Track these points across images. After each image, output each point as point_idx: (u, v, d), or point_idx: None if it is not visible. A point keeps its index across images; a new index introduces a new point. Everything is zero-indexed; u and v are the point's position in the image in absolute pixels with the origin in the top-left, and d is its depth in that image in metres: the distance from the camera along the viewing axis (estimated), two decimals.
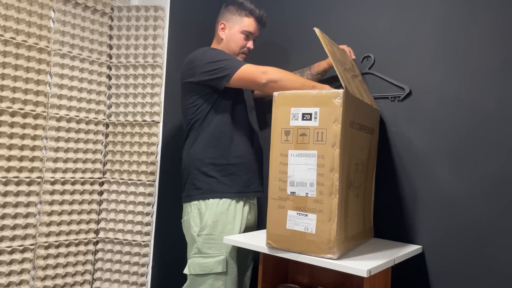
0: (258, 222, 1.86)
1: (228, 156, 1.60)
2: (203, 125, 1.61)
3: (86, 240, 2.03)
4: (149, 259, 2.09)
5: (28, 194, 1.83)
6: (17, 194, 1.79)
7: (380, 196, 1.56)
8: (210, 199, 1.56)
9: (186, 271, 1.57)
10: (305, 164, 1.21)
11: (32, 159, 1.84)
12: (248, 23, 1.70)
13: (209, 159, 1.59)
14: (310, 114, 1.21)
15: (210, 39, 1.86)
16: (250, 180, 1.64)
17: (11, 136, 1.77)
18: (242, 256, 1.69)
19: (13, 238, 1.78)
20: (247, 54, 1.75)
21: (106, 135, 2.12)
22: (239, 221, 1.60)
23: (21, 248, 1.80)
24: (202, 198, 1.57)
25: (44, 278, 1.88)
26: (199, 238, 1.55)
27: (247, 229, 1.66)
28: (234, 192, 1.59)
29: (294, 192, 1.23)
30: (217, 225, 1.55)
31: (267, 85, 1.45)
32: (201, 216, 1.57)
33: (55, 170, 1.91)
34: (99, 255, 2.07)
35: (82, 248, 2.02)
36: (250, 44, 1.73)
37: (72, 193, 1.97)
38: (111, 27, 2.12)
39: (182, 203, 1.70)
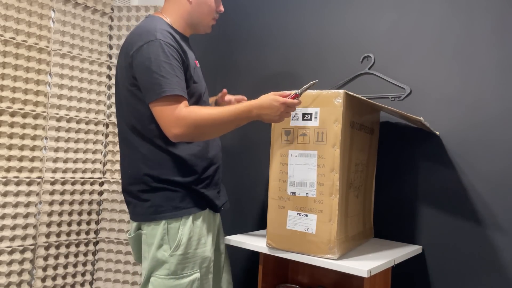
0: (259, 222, 1.86)
1: (195, 171, 1.35)
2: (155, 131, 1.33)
3: (86, 240, 2.03)
4: None
5: (28, 194, 1.83)
6: (17, 194, 1.79)
7: (380, 196, 1.56)
8: (183, 217, 1.31)
9: None
10: (305, 164, 1.21)
11: (32, 159, 1.84)
12: None
13: (165, 174, 1.32)
14: (311, 114, 1.21)
15: (211, 39, 1.84)
16: (218, 191, 1.42)
17: (11, 136, 1.77)
18: (217, 253, 1.51)
19: (13, 238, 1.78)
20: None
21: (106, 135, 2.12)
22: (211, 231, 1.40)
23: (21, 248, 1.80)
24: (176, 217, 1.31)
25: (44, 279, 1.87)
26: (171, 259, 1.30)
27: (218, 236, 1.49)
28: (203, 206, 1.36)
29: (294, 192, 1.23)
30: (192, 242, 1.32)
31: (175, 139, 1.25)
32: (172, 234, 1.31)
33: (55, 170, 1.91)
34: (99, 255, 2.07)
35: (82, 248, 2.02)
36: (221, 7, 1.45)
37: (72, 193, 1.97)
38: (111, 27, 2.12)
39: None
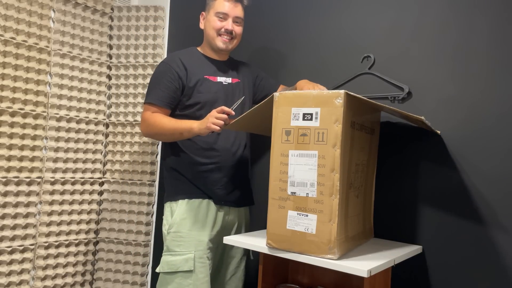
0: (259, 222, 1.85)
1: (197, 158, 1.60)
2: None
3: (86, 240, 2.03)
4: (149, 259, 2.09)
5: (28, 194, 1.83)
6: (17, 194, 1.79)
7: (380, 196, 1.56)
8: (179, 200, 1.58)
9: (157, 269, 1.57)
10: (306, 164, 1.21)
11: (32, 159, 1.84)
12: (218, 4, 1.63)
13: (171, 164, 1.63)
14: (311, 114, 1.21)
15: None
16: (217, 185, 1.61)
17: (11, 136, 1.77)
18: (227, 258, 1.68)
19: (13, 238, 1.78)
20: (229, 37, 1.64)
21: (106, 135, 2.12)
22: (212, 220, 1.59)
23: (21, 248, 1.80)
24: (175, 199, 1.59)
25: (44, 278, 1.88)
26: (168, 236, 1.56)
27: (226, 230, 1.65)
28: (200, 194, 1.59)
29: (294, 192, 1.23)
30: (186, 223, 1.55)
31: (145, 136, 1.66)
32: (171, 213, 1.59)
33: (55, 170, 1.91)
34: (99, 255, 2.07)
35: (82, 248, 2.02)
36: (227, 25, 1.63)
37: (72, 193, 1.97)
38: (111, 27, 2.12)
39: None
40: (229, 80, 1.68)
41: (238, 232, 1.70)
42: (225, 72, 1.69)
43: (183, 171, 1.61)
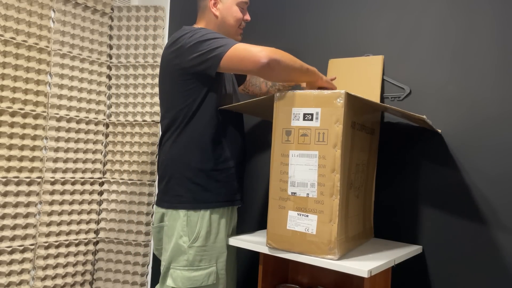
0: (259, 222, 1.86)
1: (216, 161, 1.43)
2: (190, 123, 1.40)
3: (86, 240, 2.03)
4: (149, 259, 2.09)
5: (28, 194, 1.83)
6: (17, 194, 1.79)
7: (380, 196, 1.56)
8: (202, 210, 1.40)
9: (171, 283, 1.39)
10: (306, 164, 1.21)
11: (32, 159, 1.84)
12: None
13: (195, 163, 1.41)
14: (312, 115, 1.21)
15: None
16: (238, 188, 1.51)
17: (11, 136, 1.76)
18: (229, 262, 1.58)
19: (13, 238, 1.78)
20: (243, 29, 1.56)
21: (106, 135, 2.12)
22: (228, 228, 1.49)
23: (21, 248, 1.80)
24: (193, 208, 1.40)
25: (44, 278, 1.88)
26: (190, 249, 1.38)
27: (232, 234, 1.57)
28: (223, 201, 1.45)
29: (295, 193, 1.23)
30: (210, 235, 1.41)
31: (268, 66, 1.23)
32: (191, 226, 1.40)
33: (55, 170, 1.91)
34: (99, 255, 2.07)
35: (82, 248, 2.02)
36: (247, 16, 1.54)
37: (72, 193, 1.97)
38: (111, 27, 2.12)
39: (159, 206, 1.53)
40: None
41: (235, 229, 1.63)
42: None
43: (209, 173, 1.41)
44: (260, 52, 1.23)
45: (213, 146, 1.42)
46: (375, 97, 1.49)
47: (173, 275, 1.39)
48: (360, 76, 1.53)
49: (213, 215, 1.42)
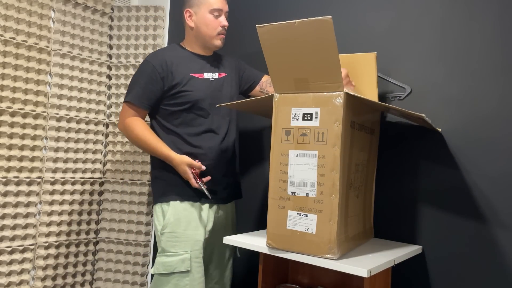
0: (259, 222, 1.86)
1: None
2: (161, 127, 1.61)
3: (86, 240, 2.03)
4: (149, 259, 2.09)
5: (28, 194, 1.83)
6: (17, 194, 1.79)
7: (380, 196, 1.56)
8: (171, 201, 1.54)
9: (151, 270, 1.54)
10: (306, 164, 1.21)
11: (32, 159, 1.84)
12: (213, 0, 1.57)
13: (160, 162, 1.57)
14: (311, 114, 1.21)
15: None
16: (210, 186, 1.56)
17: (11, 136, 1.77)
18: (216, 257, 1.67)
19: (13, 238, 1.78)
20: (225, 33, 1.64)
21: (106, 135, 2.12)
22: (205, 218, 1.56)
23: (21, 248, 1.80)
24: (165, 201, 1.55)
25: (44, 278, 1.88)
26: (162, 237, 1.52)
27: (219, 228, 1.63)
28: (190, 196, 1.55)
29: (294, 192, 1.23)
30: (180, 222, 1.52)
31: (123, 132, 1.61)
32: (163, 214, 1.55)
33: (55, 170, 1.91)
34: (99, 255, 2.07)
35: (82, 248, 2.02)
36: (224, 22, 1.61)
37: (72, 193, 1.97)
38: (111, 27, 2.12)
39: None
40: (215, 75, 1.64)
41: (227, 228, 1.69)
42: (212, 67, 1.65)
43: (173, 170, 1.55)
44: (119, 122, 1.59)
45: (188, 144, 1.56)
46: (372, 96, 1.48)
47: (155, 262, 1.53)
48: (356, 73, 1.51)
49: (183, 205, 1.54)
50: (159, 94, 1.56)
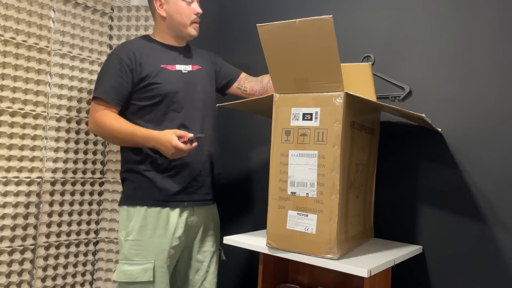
0: (259, 222, 1.85)
1: (150, 161, 1.48)
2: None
3: (86, 240, 2.03)
4: None
5: (28, 194, 1.83)
6: (17, 194, 1.79)
7: (380, 196, 1.56)
8: (138, 206, 1.46)
9: (113, 276, 1.46)
10: (306, 164, 1.21)
11: (32, 159, 1.84)
12: None
13: (131, 163, 1.50)
14: (311, 114, 1.21)
15: (210, 40, 1.83)
16: (181, 190, 1.49)
17: (11, 136, 1.76)
18: (195, 263, 1.58)
19: (13, 238, 1.78)
20: (199, 21, 1.58)
21: None
22: (173, 225, 1.47)
23: (21, 248, 1.80)
24: (132, 204, 1.47)
25: (44, 279, 1.87)
26: (125, 243, 1.44)
27: (191, 233, 1.55)
28: (159, 200, 1.47)
29: (294, 192, 1.23)
30: (145, 230, 1.44)
31: (94, 132, 1.55)
32: (128, 219, 1.46)
33: (55, 170, 1.91)
34: (99, 255, 2.07)
35: (82, 248, 2.02)
36: (197, 9, 1.54)
37: (72, 193, 1.97)
38: (111, 27, 2.12)
39: None
40: (189, 67, 1.56)
41: (205, 232, 1.60)
42: (185, 58, 1.58)
43: (143, 170, 1.47)
44: (89, 121, 1.51)
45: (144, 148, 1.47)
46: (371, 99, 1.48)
47: (116, 269, 1.46)
48: (354, 81, 1.49)
49: (150, 211, 1.46)
50: (129, 88, 1.46)
